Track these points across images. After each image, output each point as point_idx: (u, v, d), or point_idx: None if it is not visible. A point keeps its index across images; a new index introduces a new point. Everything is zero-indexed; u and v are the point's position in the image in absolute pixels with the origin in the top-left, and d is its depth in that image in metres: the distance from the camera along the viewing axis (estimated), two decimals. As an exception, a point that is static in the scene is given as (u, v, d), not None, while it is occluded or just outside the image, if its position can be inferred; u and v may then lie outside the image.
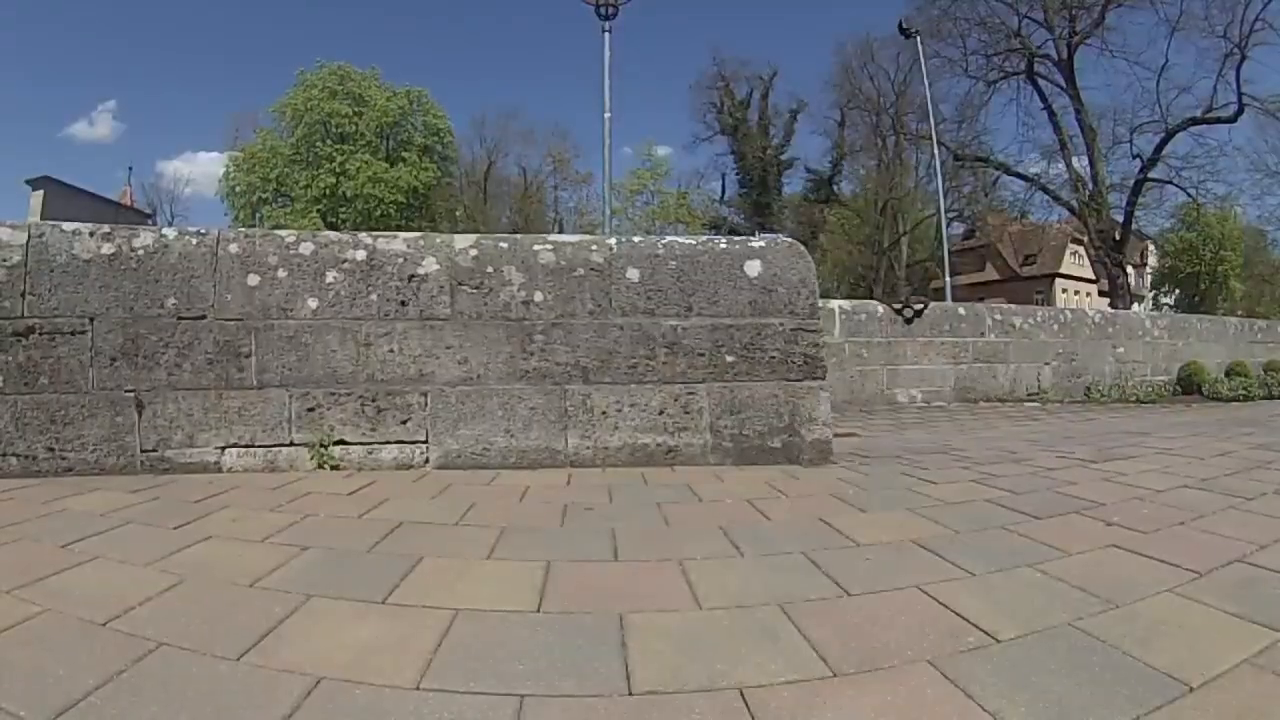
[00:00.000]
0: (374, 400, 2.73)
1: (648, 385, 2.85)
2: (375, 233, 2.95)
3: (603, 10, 14.28)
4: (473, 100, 70.37)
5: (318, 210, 26.16)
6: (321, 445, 2.68)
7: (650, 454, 2.83)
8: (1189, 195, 21.14)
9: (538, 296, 2.84)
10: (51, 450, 2.52)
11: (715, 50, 39.47)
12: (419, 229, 18.56)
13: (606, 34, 14.29)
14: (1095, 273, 31.94)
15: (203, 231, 2.76)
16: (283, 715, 0.91)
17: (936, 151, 19.92)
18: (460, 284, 2.82)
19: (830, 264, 30.16)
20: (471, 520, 1.93)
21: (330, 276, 2.76)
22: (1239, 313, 28.52)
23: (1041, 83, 21.41)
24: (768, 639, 1.15)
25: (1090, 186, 20.87)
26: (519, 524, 1.89)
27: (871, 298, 12.94)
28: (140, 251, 2.64)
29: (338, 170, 26.44)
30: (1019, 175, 22.93)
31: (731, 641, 1.15)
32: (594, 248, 2.94)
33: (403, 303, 2.79)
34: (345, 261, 2.78)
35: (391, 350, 2.76)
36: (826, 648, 1.12)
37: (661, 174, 29.57)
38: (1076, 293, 37.25)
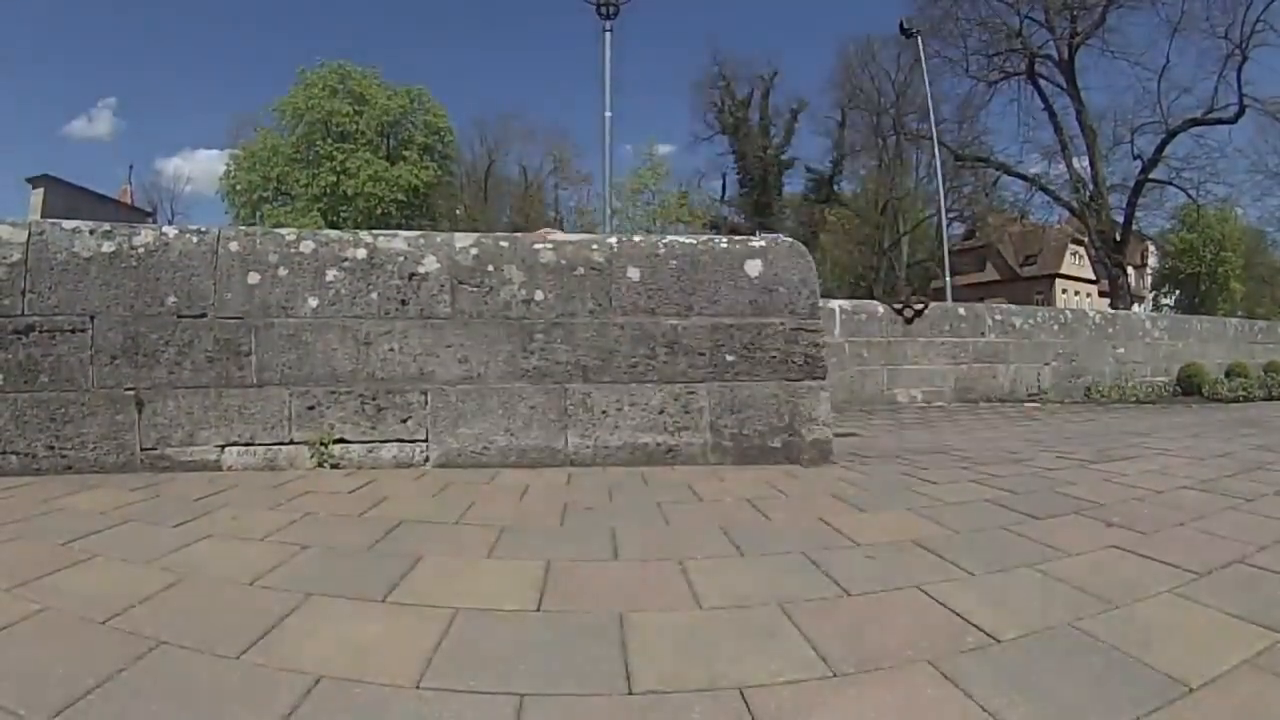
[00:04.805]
0: (374, 399, 2.73)
1: (648, 384, 2.85)
2: (376, 231, 2.95)
3: (604, 9, 14.28)
4: (473, 99, 70.25)
5: (318, 209, 26.12)
6: (321, 444, 2.68)
7: (650, 453, 2.83)
8: (1189, 196, 21.15)
9: (538, 295, 2.84)
10: (52, 448, 2.52)
11: (716, 50, 39.54)
12: (420, 228, 18.55)
13: (607, 33, 14.29)
14: (1095, 273, 31.95)
15: (203, 230, 2.76)
16: (282, 714, 0.91)
17: (937, 151, 19.92)
18: (461, 283, 2.82)
19: (830, 264, 30.15)
20: (471, 519, 1.93)
21: (331, 275, 2.76)
22: (1239, 314, 28.52)
23: (1042, 83, 21.41)
24: (768, 639, 1.15)
25: (1090, 187, 20.88)
26: (519, 523, 1.89)
27: (872, 298, 12.93)
28: (140, 250, 2.64)
29: (338, 169, 26.40)
30: (1019, 175, 22.94)
31: (731, 641, 1.15)
32: (594, 247, 2.93)
33: (403, 301, 2.79)
34: (346, 260, 2.78)
35: (392, 349, 2.76)
36: (826, 648, 1.11)
37: (662, 173, 29.61)
38: (1077, 293, 37.24)
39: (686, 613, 1.28)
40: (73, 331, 2.56)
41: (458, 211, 31.28)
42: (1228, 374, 9.28)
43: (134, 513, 1.94)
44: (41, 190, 25.67)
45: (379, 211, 26.45)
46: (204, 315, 2.66)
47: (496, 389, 2.79)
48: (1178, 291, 37.21)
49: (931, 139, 20.10)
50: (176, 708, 0.92)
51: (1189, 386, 8.67)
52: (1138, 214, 21.27)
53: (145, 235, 2.68)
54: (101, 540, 1.67)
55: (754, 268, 2.95)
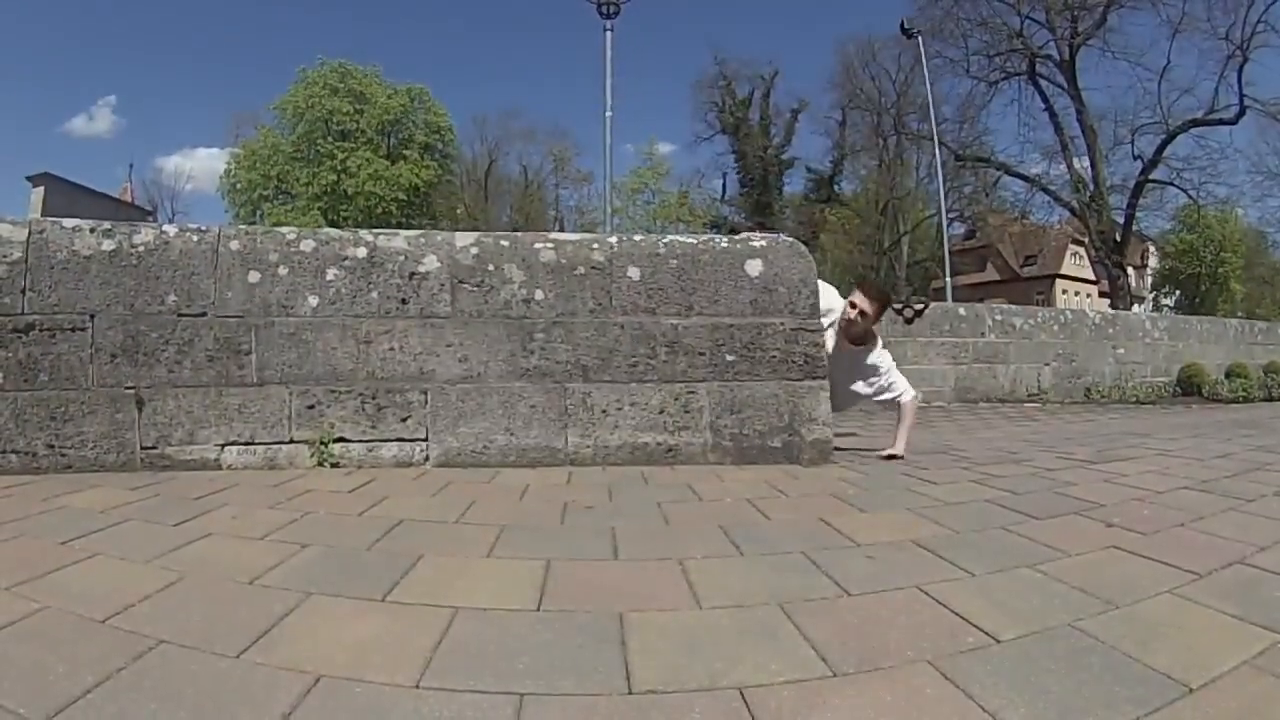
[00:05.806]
0: (374, 398, 2.73)
1: (648, 384, 2.85)
2: (376, 230, 2.95)
3: (604, 9, 14.30)
4: (474, 98, 70.37)
5: (319, 208, 26.12)
6: (322, 443, 2.68)
7: (650, 453, 2.83)
8: (1190, 197, 21.18)
9: (538, 295, 2.84)
10: (51, 447, 2.52)
11: (716, 49, 39.62)
12: (420, 227, 18.55)
13: (608, 32, 14.30)
14: (1096, 274, 31.99)
15: (203, 228, 2.76)
16: (282, 713, 0.91)
17: (937, 152, 19.92)
18: (461, 282, 2.82)
19: (831, 264, 30.14)
20: (471, 518, 1.93)
21: (331, 274, 2.76)
22: (1239, 314, 28.53)
23: (1043, 83, 21.44)
24: (768, 639, 1.15)
25: (1091, 187, 20.89)
26: (519, 522, 1.89)
27: (872, 298, 12.91)
28: (141, 248, 2.64)
29: (339, 168, 26.41)
30: (1020, 176, 22.97)
31: (731, 641, 1.15)
32: (595, 246, 2.93)
33: (403, 300, 2.79)
34: (346, 259, 2.78)
35: (392, 348, 2.76)
36: (826, 648, 1.11)
37: (662, 173, 29.62)
38: (1077, 294, 37.27)
39: (686, 612, 1.28)
40: (73, 330, 2.56)
41: (458, 210, 31.29)
42: (1228, 375, 9.28)
43: (134, 511, 1.94)
44: (42, 188, 25.70)
45: (379, 210, 26.47)
46: (204, 314, 2.66)
47: (496, 388, 2.79)
48: (1178, 292, 37.23)
49: (932, 139, 20.11)
50: (176, 707, 0.92)
51: (1189, 387, 8.67)
52: (1138, 214, 21.31)
53: (145, 234, 2.68)
54: (101, 539, 1.67)
55: (754, 267, 2.95)
